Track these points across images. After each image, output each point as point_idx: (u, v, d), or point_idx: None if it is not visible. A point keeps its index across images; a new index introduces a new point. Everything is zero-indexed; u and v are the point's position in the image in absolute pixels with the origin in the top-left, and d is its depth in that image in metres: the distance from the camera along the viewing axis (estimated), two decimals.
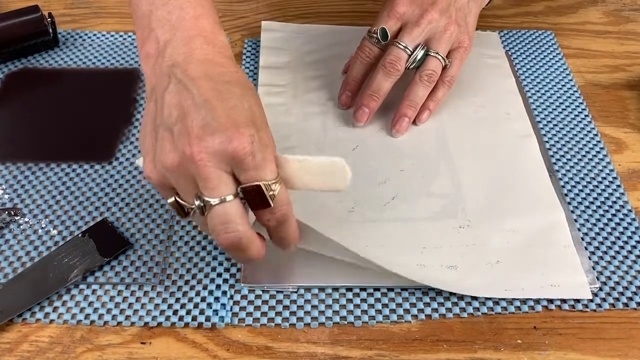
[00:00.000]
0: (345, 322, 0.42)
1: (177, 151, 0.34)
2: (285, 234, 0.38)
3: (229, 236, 0.34)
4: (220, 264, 0.44)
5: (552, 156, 0.53)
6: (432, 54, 0.50)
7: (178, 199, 0.36)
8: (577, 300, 0.43)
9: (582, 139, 0.55)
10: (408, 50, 0.50)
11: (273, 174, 0.35)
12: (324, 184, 0.37)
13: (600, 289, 0.44)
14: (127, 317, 0.41)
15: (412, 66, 0.51)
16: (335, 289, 0.43)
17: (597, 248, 0.46)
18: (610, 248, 0.46)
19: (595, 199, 0.50)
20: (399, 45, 0.50)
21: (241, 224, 0.34)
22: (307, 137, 0.53)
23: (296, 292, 0.43)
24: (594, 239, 0.47)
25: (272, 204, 0.35)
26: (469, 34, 0.52)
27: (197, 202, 0.34)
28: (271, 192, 0.35)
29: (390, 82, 0.51)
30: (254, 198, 0.35)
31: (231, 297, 0.43)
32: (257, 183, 0.34)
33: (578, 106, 0.58)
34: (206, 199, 0.34)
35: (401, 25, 0.51)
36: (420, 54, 0.50)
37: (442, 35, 0.50)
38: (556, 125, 0.56)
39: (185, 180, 0.34)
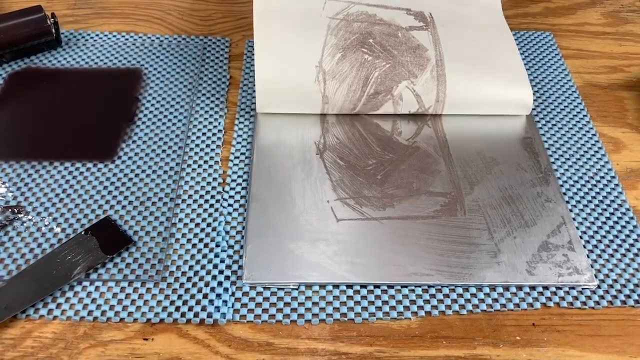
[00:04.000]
0: (346, 319, 0.42)
1: None
2: None
3: None
4: (222, 261, 0.45)
5: (551, 155, 0.53)
6: None
7: None
8: (576, 298, 0.43)
9: (581, 138, 0.55)
10: None
11: None
12: None
13: (599, 287, 0.44)
14: (130, 314, 0.41)
15: None
16: (336, 286, 0.43)
17: (596, 246, 0.47)
18: (608, 246, 0.47)
19: (594, 197, 0.50)
20: None
21: None
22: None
23: (297, 289, 0.43)
24: (592, 237, 0.47)
25: None
26: None
27: None
28: None
29: None
30: None
31: (233, 293, 0.43)
32: None
33: (576, 106, 0.59)
34: None
35: None
36: None
37: None
38: (555, 125, 0.57)
39: None
